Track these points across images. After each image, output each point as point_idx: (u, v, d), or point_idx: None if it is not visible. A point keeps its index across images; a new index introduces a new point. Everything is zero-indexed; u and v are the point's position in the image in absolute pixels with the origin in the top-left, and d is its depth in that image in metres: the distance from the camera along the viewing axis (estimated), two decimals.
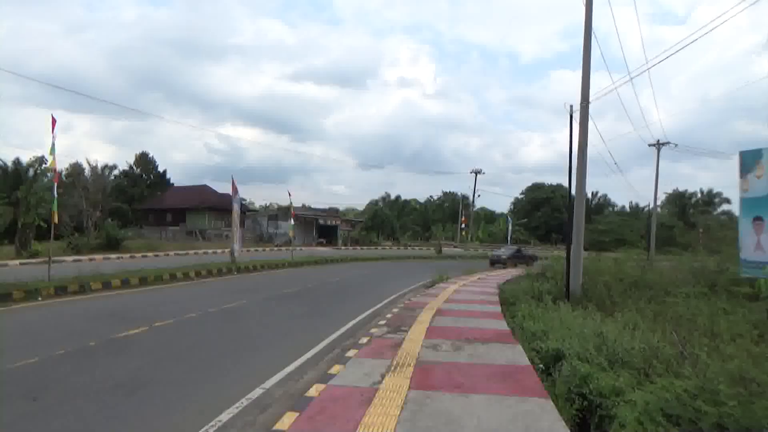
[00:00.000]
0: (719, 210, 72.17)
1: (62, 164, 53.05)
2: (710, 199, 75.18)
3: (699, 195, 76.86)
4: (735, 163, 10.15)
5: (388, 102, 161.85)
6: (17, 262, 23.29)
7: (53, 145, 13.27)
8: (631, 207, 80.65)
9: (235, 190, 23.53)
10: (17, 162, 33.34)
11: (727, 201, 70.47)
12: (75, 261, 23.88)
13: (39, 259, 22.89)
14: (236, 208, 24.14)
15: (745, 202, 10.01)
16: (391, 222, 73.70)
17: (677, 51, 23.93)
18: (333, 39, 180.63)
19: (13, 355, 6.69)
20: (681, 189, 77.91)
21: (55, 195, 13.78)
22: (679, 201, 76.72)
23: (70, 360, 6.74)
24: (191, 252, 34.31)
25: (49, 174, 27.72)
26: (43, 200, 28.09)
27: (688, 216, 69.91)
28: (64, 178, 42.47)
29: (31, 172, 32.93)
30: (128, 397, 5.39)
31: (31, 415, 4.77)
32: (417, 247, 58.45)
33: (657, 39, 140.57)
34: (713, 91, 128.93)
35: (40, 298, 11.91)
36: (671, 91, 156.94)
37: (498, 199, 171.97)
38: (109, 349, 7.46)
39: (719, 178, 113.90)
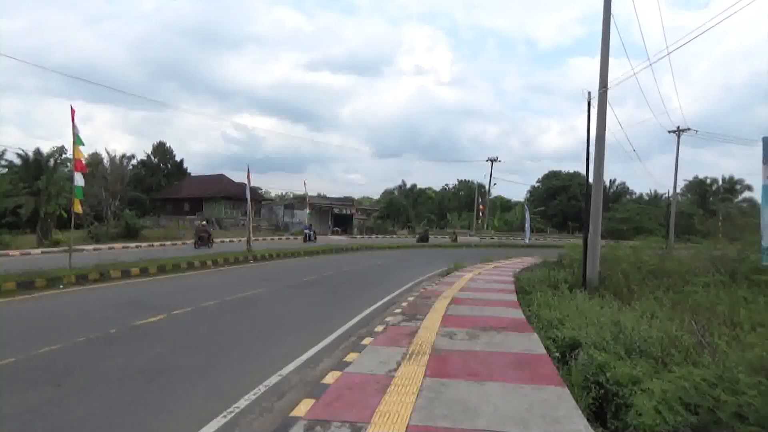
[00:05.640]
0: (741, 197, 70.55)
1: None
2: (732, 186, 73.56)
3: (720, 182, 75.32)
4: (759, 149, 9.93)
5: (404, 90, 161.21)
6: (39, 250, 23.75)
7: (76, 135, 13.38)
8: (650, 195, 79.48)
9: (249, 180, 23.73)
10: (38, 152, 33.88)
11: (749, 188, 68.94)
12: (95, 250, 24.28)
13: (60, 248, 23.32)
14: (248, 198, 24.41)
15: (766, 189, 9.78)
16: (407, 211, 73.63)
17: (698, 36, 23.44)
18: (349, 27, 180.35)
19: (36, 342, 6.85)
20: (703, 176, 76.37)
21: (82, 184, 13.89)
22: (699, 188, 75.23)
23: (92, 347, 6.88)
24: None
25: (69, 164, 28.09)
26: (64, 190, 28.56)
27: (709, 204, 68.57)
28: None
29: (51, 162, 33.46)
30: (149, 383, 5.50)
31: (56, 401, 4.89)
32: (432, 236, 58.32)
33: (678, 24, 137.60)
34: (736, 77, 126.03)
35: (61, 286, 12.15)
36: (693, 77, 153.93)
37: (514, 187, 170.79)
38: (130, 336, 7.60)
39: (743, 164, 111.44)
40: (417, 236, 49.47)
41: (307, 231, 38.52)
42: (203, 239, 27.94)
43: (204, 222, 32.54)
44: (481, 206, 64.23)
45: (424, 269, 19.97)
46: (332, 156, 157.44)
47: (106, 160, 52.52)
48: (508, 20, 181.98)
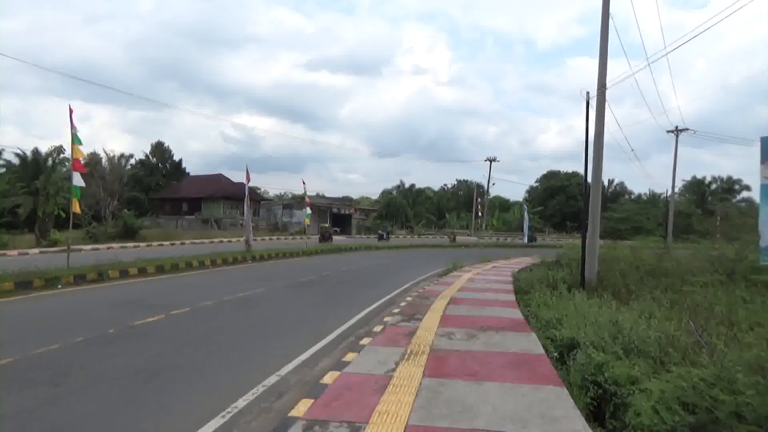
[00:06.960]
0: (739, 197, 70.68)
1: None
2: (730, 186, 73.65)
3: (718, 182, 75.41)
4: (757, 149, 9.95)
5: (403, 90, 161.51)
6: (37, 250, 23.74)
7: (74, 134, 13.36)
8: (648, 195, 79.55)
9: (248, 179, 23.68)
10: (36, 152, 33.83)
11: (748, 188, 69.02)
12: (93, 249, 24.27)
13: (58, 248, 23.31)
14: (247, 198, 24.36)
15: (765, 188, 9.80)
16: (405, 210, 73.62)
17: (697, 35, 23.47)
18: (347, 27, 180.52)
19: (34, 342, 6.84)
20: (701, 176, 76.48)
21: (80, 184, 13.87)
22: (697, 188, 75.33)
23: (90, 347, 6.87)
24: (206, 241, 34.66)
25: (67, 164, 28.04)
26: (62, 190, 28.51)
27: (707, 203, 68.64)
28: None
29: (49, 161, 33.41)
30: (147, 383, 5.49)
31: (54, 401, 4.88)
32: (431, 236, 58.36)
33: (676, 24, 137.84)
34: (735, 77, 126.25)
35: (59, 286, 12.13)
36: (691, 76, 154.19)
37: (513, 187, 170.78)
38: (128, 336, 7.59)
39: (741, 164, 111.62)
40: (526, 238, 49.53)
41: (381, 231, 45.69)
42: (325, 236, 38.34)
43: (327, 224, 42.91)
44: (479, 206, 64.23)
45: (423, 269, 19.97)
46: (331, 156, 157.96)
47: (104, 160, 52.44)
48: (506, 20, 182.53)
